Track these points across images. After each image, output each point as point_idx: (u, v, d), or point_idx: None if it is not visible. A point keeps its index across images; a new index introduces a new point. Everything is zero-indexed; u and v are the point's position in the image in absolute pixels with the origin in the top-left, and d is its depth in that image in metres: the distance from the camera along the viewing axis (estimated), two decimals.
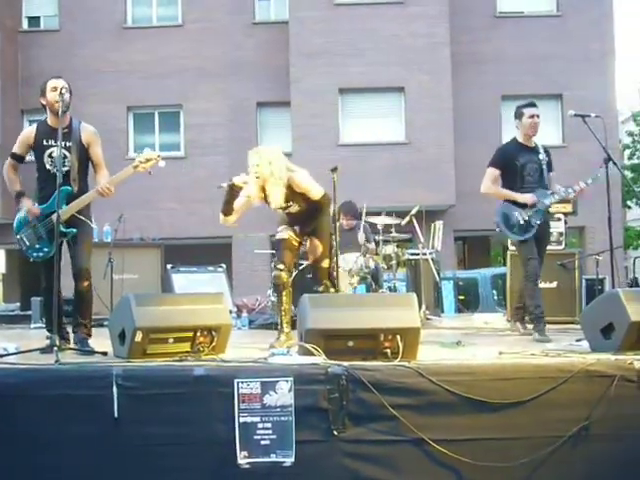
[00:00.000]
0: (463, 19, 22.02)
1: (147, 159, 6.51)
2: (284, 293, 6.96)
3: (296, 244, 7.14)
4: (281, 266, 6.92)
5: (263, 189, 6.89)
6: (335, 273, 7.26)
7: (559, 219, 9.41)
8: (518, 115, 7.83)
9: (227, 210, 7.04)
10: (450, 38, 21.52)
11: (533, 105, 7.81)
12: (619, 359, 5.31)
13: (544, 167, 7.73)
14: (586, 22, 22.20)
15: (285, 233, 7.05)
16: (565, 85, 21.30)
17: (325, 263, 7.07)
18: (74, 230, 6.44)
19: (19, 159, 6.74)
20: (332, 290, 7.08)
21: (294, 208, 7.02)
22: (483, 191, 7.89)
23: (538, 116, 7.75)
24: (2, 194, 20.13)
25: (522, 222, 7.54)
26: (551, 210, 7.91)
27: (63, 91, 6.40)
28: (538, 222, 7.54)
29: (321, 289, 6.99)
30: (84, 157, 6.66)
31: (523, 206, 7.59)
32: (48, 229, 6.49)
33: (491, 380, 5.16)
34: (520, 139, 7.83)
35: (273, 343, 6.56)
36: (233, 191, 6.86)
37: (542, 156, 7.75)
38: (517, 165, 7.66)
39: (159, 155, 6.59)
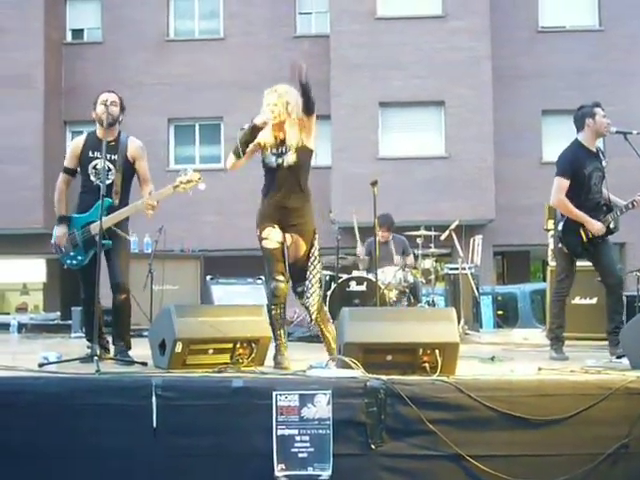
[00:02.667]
0: (505, 33, 21.95)
1: (188, 180, 6.57)
2: (282, 306, 6.30)
3: (282, 250, 6.46)
4: (281, 277, 6.25)
5: (278, 130, 6.60)
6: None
7: None
8: (589, 114, 7.28)
9: (243, 150, 6.59)
10: (491, 52, 21.45)
11: (600, 105, 7.37)
12: None
13: (606, 175, 7.37)
14: (628, 36, 22.05)
15: (272, 242, 6.38)
16: (607, 99, 20.96)
17: (305, 264, 6.43)
18: (110, 242, 6.50)
19: (72, 173, 6.86)
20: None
21: (291, 158, 6.50)
22: (555, 204, 7.35)
23: (607, 116, 7.33)
24: (44, 205, 20.37)
25: (586, 240, 7.18)
26: (611, 226, 7.28)
27: (108, 104, 6.51)
28: (599, 240, 7.21)
29: (300, 289, 6.40)
30: (129, 171, 6.74)
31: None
32: (85, 238, 6.57)
33: (530, 396, 5.13)
34: (586, 142, 7.32)
35: (280, 360, 6.15)
36: (254, 132, 6.56)
37: (604, 163, 7.37)
38: (585, 174, 7.20)
39: (200, 177, 6.64)
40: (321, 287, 6.53)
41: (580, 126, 7.36)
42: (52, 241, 6.78)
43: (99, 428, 5.02)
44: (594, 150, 7.38)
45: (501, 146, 21.05)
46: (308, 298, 6.37)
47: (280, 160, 6.55)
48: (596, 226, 7.15)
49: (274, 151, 6.59)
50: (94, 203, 6.42)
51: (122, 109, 6.71)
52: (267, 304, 6.27)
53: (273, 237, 6.39)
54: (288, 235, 6.42)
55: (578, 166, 7.20)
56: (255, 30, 22.89)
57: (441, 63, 21.15)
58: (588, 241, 7.18)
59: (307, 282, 6.37)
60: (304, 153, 6.53)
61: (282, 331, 6.28)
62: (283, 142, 6.57)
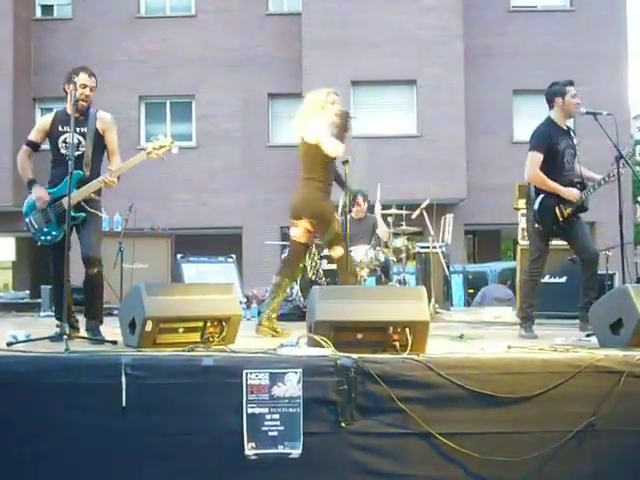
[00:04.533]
0: (476, 13, 21.99)
1: (161, 145, 6.57)
2: None
3: None
4: None
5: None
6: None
7: None
8: (559, 93, 7.35)
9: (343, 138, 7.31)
10: (463, 31, 21.47)
11: (572, 83, 7.43)
12: (627, 355, 5.30)
13: (577, 152, 7.42)
14: (599, 17, 22.16)
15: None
16: (577, 80, 21.00)
17: None
18: (83, 214, 6.48)
19: (34, 146, 6.82)
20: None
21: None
22: (529, 179, 7.39)
23: (578, 95, 7.38)
24: (13, 182, 20.20)
25: (561, 219, 7.25)
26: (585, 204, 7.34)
27: (88, 92, 6.51)
28: (574, 219, 7.30)
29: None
30: (99, 144, 6.70)
31: (562, 199, 7.26)
32: (57, 213, 6.52)
33: (499, 374, 5.16)
34: (557, 120, 7.38)
35: None
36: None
37: (575, 140, 7.42)
38: (558, 150, 7.25)
39: (172, 141, 6.64)
40: None
41: (550, 103, 7.44)
42: (26, 218, 6.72)
43: (68, 407, 4.99)
44: (565, 128, 7.44)
45: (472, 125, 21.11)
46: None
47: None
48: (573, 192, 7.21)
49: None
50: (64, 176, 6.35)
51: (96, 86, 6.70)
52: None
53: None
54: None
55: (551, 141, 7.26)
56: (227, 7, 22.76)
57: (413, 42, 21.14)
58: (564, 220, 7.23)
59: None
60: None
61: None
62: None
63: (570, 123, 7.58)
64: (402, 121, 21.69)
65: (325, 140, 7.20)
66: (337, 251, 7.36)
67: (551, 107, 7.43)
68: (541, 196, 7.34)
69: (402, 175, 20.38)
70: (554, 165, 7.26)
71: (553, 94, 7.40)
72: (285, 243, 11.53)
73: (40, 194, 6.62)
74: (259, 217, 21.98)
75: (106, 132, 6.74)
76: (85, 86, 6.57)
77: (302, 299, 9.43)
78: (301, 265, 7.59)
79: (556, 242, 7.61)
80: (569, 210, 7.26)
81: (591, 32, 21.99)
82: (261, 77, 22.47)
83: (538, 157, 7.25)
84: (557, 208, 7.23)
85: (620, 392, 5.14)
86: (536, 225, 7.36)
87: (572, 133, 7.49)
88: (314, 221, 7.33)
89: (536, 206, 7.35)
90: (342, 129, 7.28)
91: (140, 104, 23.12)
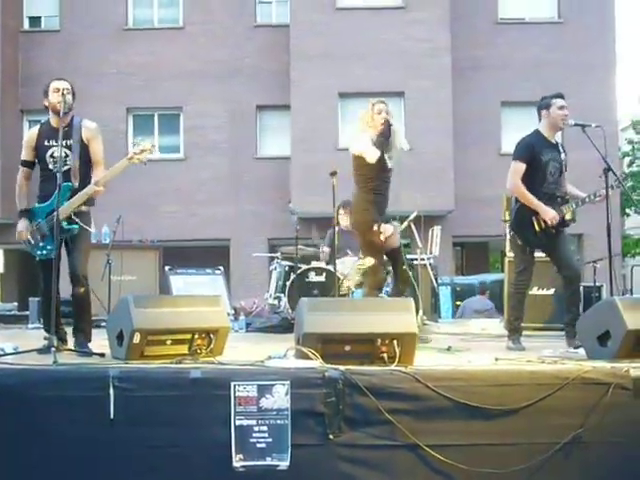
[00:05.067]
0: (464, 25, 22.03)
1: (142, 150, 6.58)
2: None
3: None
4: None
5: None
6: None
7: None
8: (545, 106, 7.37)
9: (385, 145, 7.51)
10: (451, 44, 21.53)
11: (561, 96, 7.44)
12: (615, 367, 5.32)
13: (564, 168, 7.38)
14: (587, 29, 22.23)
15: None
16: (566, 92, 21.04)
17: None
18: (76, 227, 6.47)
19: (30, 165, 6.81)
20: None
21: (392, 163, 7.67)
22: (510, 188, 7.40)
23: (567, 108, 7.38)
24: (2, 195, 20.13)
25: (538, 229, 7.20)
26: (567, 217, 7.30)
27: (65, 92, 6.46)
28: (553, 231, 7.21)
29: (405, 267, 7.71)
30: (85, 154, 6.68)
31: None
32: (51, 227, 6.49)
33: (487, 386, 5.17)
34: (545, 133, 7.38)
35: None
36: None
37: (563, 156, 7.38)
38: (542, 161, 7.22)
39: (153, 145, 6.68)
40: None
41: (539, 116, 7.46)
42: (17, 237, 6.75)
43: (56, 419, 5.00)
44: (553, 142, 7.42)
45: (460, 137, 21.15)
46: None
47: (391, 163, 7.60)
48: (550, 213, 7.14)
49: (387, 155, 7.55)
50: (54, 190, 6.33)
51: (73, 95, 6.65)
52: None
53: (389, 231, 7.51)
54: (389, 225, 7.58)
55: (535, 152, 7.24)
56: (215, 19, 22.76)
57: (401, 54, 21.16)
58: (541, 231, 7.22)
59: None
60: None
61: None
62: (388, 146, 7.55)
63: (559, 137, 7.59)
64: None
65: (362, 148, 7.50)
66: (367, 261, 7.66)
67: (540, 120, 7.46)
68: (518, 205, 7.36)
69: (390, 186, 20.37)
70: (536, 176, 7.24)
71: (540, 107, 7.43)
72: (273, 255, 11.53)
73: (20, 229, 6.69)
74: (247, 229, 21.96)
75: (90, 141, 6.71)
76: (57, 89, 6.55)
77: (290, 311, 9.42)
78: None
79: (543, 254, 7.62)
80: (548, 224, 7.20)
81: (579, 44, 22.06)
82: (249, 89, 22.47)
83: (520, 167, 7.24)
84: (535, 219, 7.21)
85: (608, 404, 5.16)
86: (512, 235, 7.41)
87: (561, 148, 7.46)
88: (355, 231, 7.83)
89: (513, 216, 7.40)
90: (383, 137, 7.50)
91: (128, 116, 23.07)
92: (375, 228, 7.48)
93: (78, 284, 6.51)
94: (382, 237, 7.45)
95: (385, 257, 7.68)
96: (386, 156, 7.50)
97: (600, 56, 22.22)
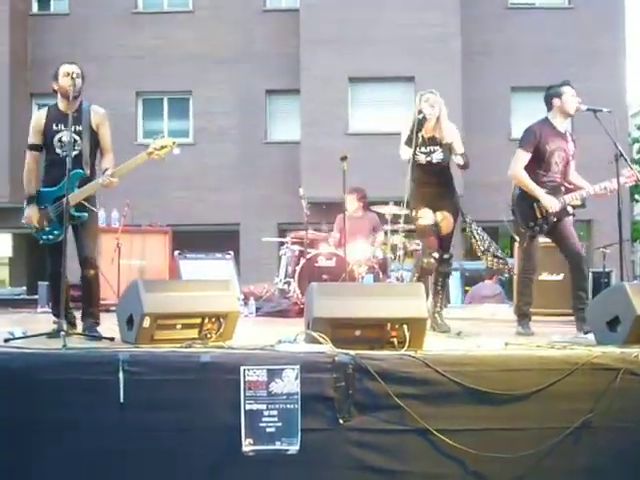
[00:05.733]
0: (474, 10, 21.95)
1: (162, 146, 6.47)
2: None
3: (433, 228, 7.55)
4: (436, 254, 7.38)
5: (429, 129, 7.46)
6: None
7: None
8: (557, 94, 7.27)
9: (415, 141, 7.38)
10: (461, 29, 21.45)
11: (570, 84, 7.38)
12: (624, 352, 5.31)
13: (570, 158, 7.35)
14: (597, 14, 22.11)
15: (429, 219, 7.46)
16: (576, 77, 20.89)
17: (452, 236, 7.66)
18: (85, 214, 6.46)
19: (38, 148, 6.74)
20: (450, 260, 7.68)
21: (439, 155, 7.48)
22: (512, 175, 7.35)
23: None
24: (10, 178, 20.19)
25: (539, 216, 7.20)
26: (572, 204, 7.28)
27: (74, 76, 6.42)
28: (555, 219, 7.20)
29: (447, 256, 7.55)
30: (94, 140, 6.66)
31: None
32: (59, 212, 6.48)
33: (497, 371, 5.17)
34: (554, 121, 7.33)
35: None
36: (422, 124, 7.39)
37: (571, 145, 7.34)
38: (547, 150, 7.19)
39: (174, 142, 6.55)
40: None
41: (549, 105, 7.38)
42: (23, 220, 6.73)
43: (66, 403, 5.01)
44: (562, 130, 7.37)
45: (470, 122, 21.02)
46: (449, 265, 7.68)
47: (429, 158, 7.46)
48: (549, 201, 7.13)
49: (423, 149, 7.46)
50: (63, 176, 6.28)
51: (83, 79, 6.61)
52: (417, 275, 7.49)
53: (427, 216, 7.43)
54: (439, 213, 7.46)
55: (541, 141, 7.20)
56: (224, 3, 22.72)
57: (411, 39, 21.10)
58: (542, 218, 7.20)
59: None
60: (448, 150, 7.51)
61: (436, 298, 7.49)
62: (431, 141, 7.48)
63: (568, 125, 7.54)
64: (400, 118, 21.56)
65: (401, 146, 7.55)
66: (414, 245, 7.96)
67: (549, 109, 7.38)
68: (520, 192, 7.34)
69: (400, 172, 20.27)
70: (540, 165, 7.23)
71: (550, 96, 7.34)
72: (283, 240, 11.53)
73: (29, 214, 6.63)
74: (256, 214, 21.97)
75: (100, 127, 6.68)
76: (67, 74, 6.49)
77: (300, 295, 9.43)
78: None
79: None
80: (549, 210, 7.19)
81: (589, 29, 21.95)
82: (258, 73, 22.43)
83: (524, 155, 7.22)
84: (536, 204, 7.19)
85: (617, 389, 5.15)
86: (515, 221, 7.39)
87: (569, 137, 7.42)
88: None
89: (515, 202, 7.40)
90: (412, 132, 7.37)
91: (137, 100, 23.08)
92: (414, 214, 7.55)
93: (88, 267, 6.51)
94: (420, 222, 7.48)
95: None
96: (419, 152, 7.43)
97: (610, 42, 22.11)
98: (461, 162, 7.50)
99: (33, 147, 6.75)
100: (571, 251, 7.28)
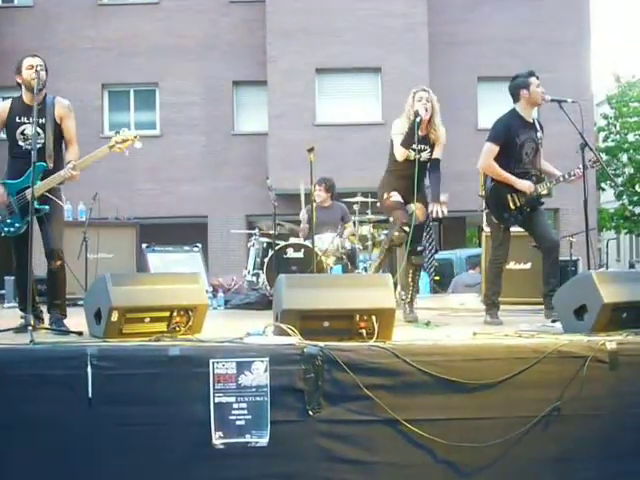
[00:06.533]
0: (441, 0, 21.99)
1: (124, 139, 6.47)
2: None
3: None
4: (406, 228, 7.34)
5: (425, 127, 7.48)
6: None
7: None
8: (524, 85, 7.28)
9: (411, 143, 7.42)
10: (427, 19, 21.49)
11: (535, 74, 7.37)
12: (591, 340, 5.36)
13: (539, 147, 7.39)
14: (562, 5, 22.25)
15: (399, 197, 7.56)
16: (541, 67, 20.93)
17: (424, 227, 7.84)
18: (47, 207, 6.40)
19: None
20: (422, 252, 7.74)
21: (427, 155, 7.54)
22: (482, 168, 7.49)
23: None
24: None
25: (513, 207, 7.25)
26: (542, 194, 7.37)
27: (39, 69, 6.37)
28: (528, 209, 7.29)
29: (420, 248, 7.62)
30: (58, 133, 6.60)
31: (516, 189, 7.27)
32: (21, 204, 6.43)
33: (465, 361, 5.19)
34: (522, 112, 7.36)
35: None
36: (420, 125, 7.35)
37: (539, 134, 7.37)
38: (517, 142, 7.23)
39: (136, 136, 6.55)
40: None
41: (515, 97, 7.40)
42: None
43: (34, 399, 4.97)
44: (530, 120, 7.41)
45: None
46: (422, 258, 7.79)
47: (419, 156, 7.46)
48: (525, 184, 7.21)
49: (414, 146, 7.43)
50: (27, 168, 6.25)
51: (46, 72, 6.56)
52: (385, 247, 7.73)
53: (397, 195, 7.54)
54: (413, 204, 7.45)
55: (511, 134, 7.24)
56: None
57: (377, 29, 21.11)
58: (516, 208, 7.26)
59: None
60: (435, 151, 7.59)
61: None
62: (425, 138, 7.52)
63: (533, 113, 7.59)
64: (367, 109, 21.69)
65: (395, 145, 7.55)
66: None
67: (516, 100, 7.40)
68: (493, 184, 7.38)
69: (368, 162, 20.24)
70: (511, 157, 7.27)
71: (517, 87, 7.36)
72: (251, 232, 11.50)
73: None
74: (224, 205, 21.92)
75: (64, 119, 6.63)
76: (31, 66, 6.43)
77: (268, 287, 9.41)
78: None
79: (519, 228, 7.64)
80: (523, 200, 7.26)
81: (555, 19, 22.08)
82: (225, 65, 22.36)
83: (493, 149, 7.26)
84: (510, 196, 7.25)
85: (584, 377, 5.19)
86: (488, 212, 7.44)
87: (537, 125, 7.46)
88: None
89: (488, 194, 7.42)
90: (411, 131, 7.38)
91: (103, 92, 22.92)
92: (385, 196, 7.66)
93: (54, 259, 6.46)
94: (392, 199, 7.58)
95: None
96: (412, 150, 7.44)
97: (575, 31, 22.28)
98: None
99: None
100: (545, 238, 7.38)
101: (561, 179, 7.34)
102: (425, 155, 7.51)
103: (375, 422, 5.08)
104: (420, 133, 7.40)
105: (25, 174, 6.35)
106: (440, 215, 7.44)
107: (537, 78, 7.36)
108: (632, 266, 37.13)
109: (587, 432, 5.27)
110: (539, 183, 7.30)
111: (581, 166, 7.14)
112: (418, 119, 7.30)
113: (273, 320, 5.55)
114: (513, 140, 7.25)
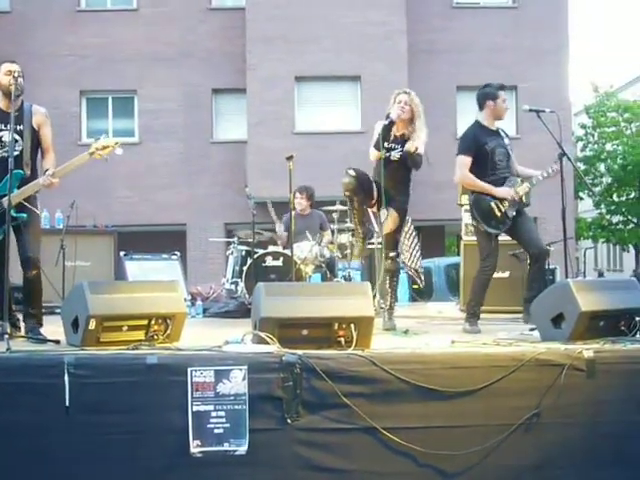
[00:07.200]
0: (420, 9, 22.06)
1: (104, 146, 6.41)
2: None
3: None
4: (351, 171, 7.48)
5: (399, 127, 7.51)
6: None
7: None
8: (492, 96, 7.41)
9: (383, 145, 7.39)
10: (407, 27, 21.55)
11: (504, 88, 7.54)
12: (569, 348, 5.39)
13: (510, 152, 7.47)
14: (541, 14, 22.37)
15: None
16: (520, 77, 21.39)
17: (397, 234, 7.72)
18: (24, 215, 6.35)
19: None
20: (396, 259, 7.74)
21: (396, 154, 7.46)
22: (459, 181, 7.65)
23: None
24: None
25: (499, 214, 7.28)
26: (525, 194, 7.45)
27: (17, 75, 6.33)
28: (514, 214, 7.32)
29: (393, 254, 7.65)
30: (36, 140, 6.57)
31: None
32: None
33: (443, 369, 5.21)
34: (485, 122, 7.48)
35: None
36: (391, 127, 7.40)
37: (507, 140, 7.50)
38: (487, 150, 7.32)
39: (117, 142, 6.50)
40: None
41: (481, 105, 7.53)
42: None
43: (11, 407, 4.94)
44: (494, 129, 7.52)
45: None
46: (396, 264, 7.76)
47: (388, 154, 7.42)
48: (504, 191, 7.27)
49: (385, 145, 7.40)
50: (4, 176, 6.20)
51: (23, 79, 6.52)
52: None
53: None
54: (384, 210, 7.51)
55: (480, 143, 7.33)
56: (169, 1, 22.54)
57: (357, 37, 21.15)
58: (502, 215, 7.29)
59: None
60: (410, 154, 7.39)
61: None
62: (397, 139, 7.48)
63: (511, 123, 7.67)
64: (346, 117, 21.73)
65: (371, 145, 7.52)
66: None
67: (481, 109, 7.52)
68: (475, 195, 7.42)
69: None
70: (485, 165, 7.33)
71: (485, 96, 7.48)
72: (230, 240, 11.48)
73: None
74: (203, 213, 21.86)
75: (41, 127, 6.60)
76: (10, 72, 6.38)
77: (247, 296, 9.39)
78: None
79: (500, 237, 7.66)
80: (506, 204, 7.31)
81: (534, 29, 22.20)
82: (204, 72, 22.32)
83: (467, 160, 7.34)
84: (493, 204, 7.30)
85: (562, 385, 5.22)
86: (475, 224, 7.45)
87: (502, 133, 7.56)
88: None
89: (473, 206, 7.44)
90: (385, 131, 7.40)
91: (81, 99, 22.80)
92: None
93: (31, 267, 6.39)
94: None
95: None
96: (384, 151, 7.43)
97: (553, 41, 22.39)
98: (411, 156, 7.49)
99: None
100: (533, 245, 7.42)
101: (540, 177, 7.39)
102: (395, 154, 7.46)
103: (354, 430, 5.08)
104: (396, 133, 7.47)
105: (1, 182, 6.30)
106: (412, 149, 7.37)
107: (504, 92, 7.47)
108: (601, 275, 37.38)
109: (566, 439, 5.29)
110: (516, 186, 7.35)
111: (558, 161, 7.20)
112: (387, 121, 7.34)
113: (252, 328, 5.54)
114: (483, 148, 7.33)
